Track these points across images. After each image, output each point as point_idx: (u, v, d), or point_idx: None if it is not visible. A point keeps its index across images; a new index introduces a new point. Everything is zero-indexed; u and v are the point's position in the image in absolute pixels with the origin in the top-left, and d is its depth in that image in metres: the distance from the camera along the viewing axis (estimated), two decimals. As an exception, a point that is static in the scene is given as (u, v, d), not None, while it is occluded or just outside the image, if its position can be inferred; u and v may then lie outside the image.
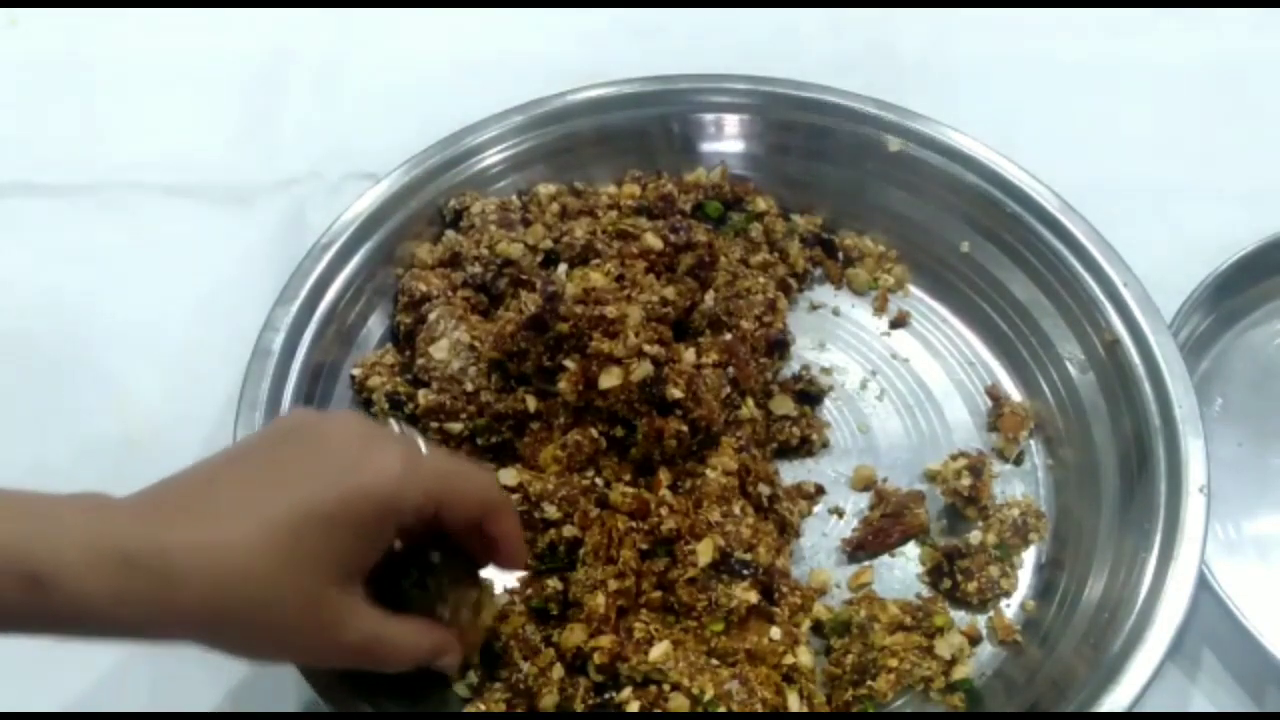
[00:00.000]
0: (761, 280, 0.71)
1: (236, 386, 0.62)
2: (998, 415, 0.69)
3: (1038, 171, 0.72)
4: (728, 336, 0.67)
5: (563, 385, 0.62)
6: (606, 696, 0.56)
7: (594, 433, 0.62)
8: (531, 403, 0.64)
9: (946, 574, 0.63)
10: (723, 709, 0.54)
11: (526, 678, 0.56)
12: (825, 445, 0.69)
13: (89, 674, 0.61)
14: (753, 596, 0.57)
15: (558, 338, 0.62)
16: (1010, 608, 0.63)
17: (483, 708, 0.56)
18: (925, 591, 0.64)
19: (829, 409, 0.70)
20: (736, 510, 0.60)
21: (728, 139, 0.78)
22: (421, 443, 0.49)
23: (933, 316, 0.75)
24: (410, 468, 0.46)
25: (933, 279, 0.75)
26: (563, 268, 0.69)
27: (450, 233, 0.72)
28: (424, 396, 0.64)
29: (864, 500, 0.67)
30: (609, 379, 0.60)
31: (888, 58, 0.89)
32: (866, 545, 0.65)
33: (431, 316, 0.67)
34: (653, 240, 0.68)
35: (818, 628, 0.61)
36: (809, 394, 0.70)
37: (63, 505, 0.41)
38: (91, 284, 0.76)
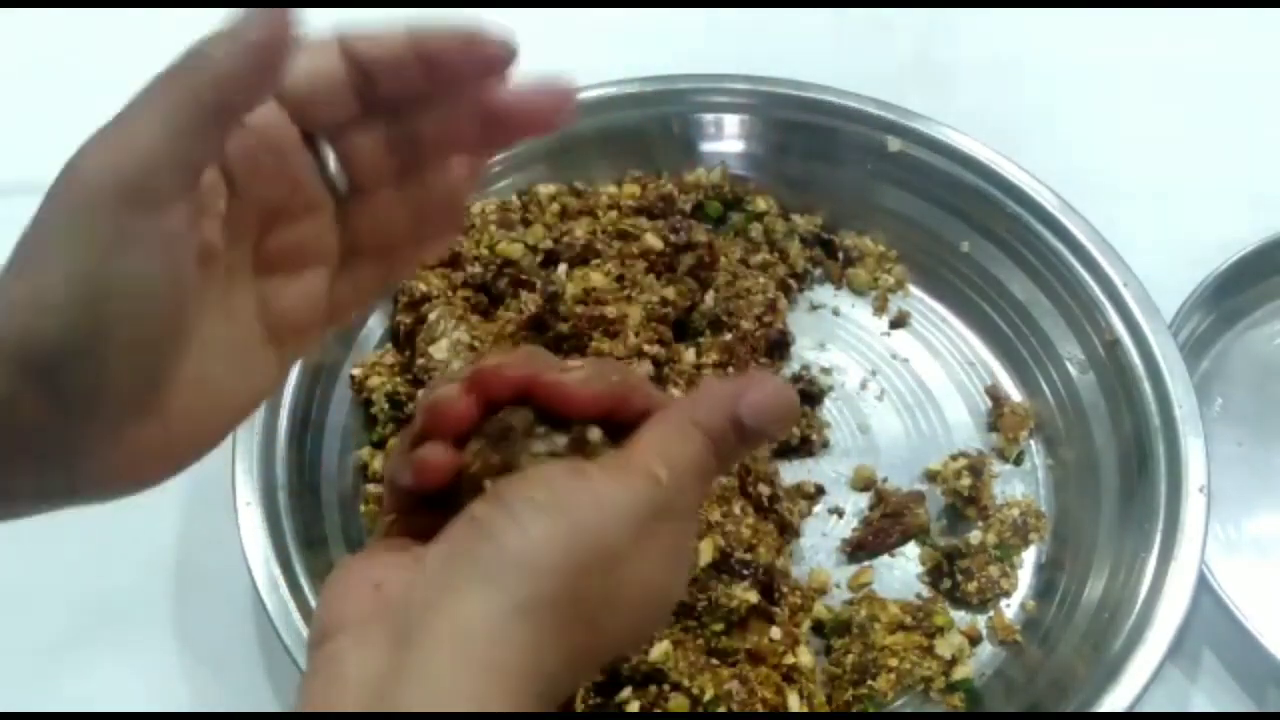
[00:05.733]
0: (761, 280, 0.71)
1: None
2: (998, 415, 0.69)
3: (1038, 171, 0.72)
4: (728, 336, 0.67)
5: (563, 385, 0.62)
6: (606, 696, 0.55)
7: (594, 433, 0.62)
8: (532, 403, 0.64)
9: (946, 574, 0.63)
10: (723, 709, 0.54)
11: (526, 678, 0.56)
12: (825, 445, 0.68)
13: (88, 674, 0.61)
14: (753, 596, 0.57)
15: (558, 338, 0.62)
16: (1010, 608, 0.63)
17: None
18: (925, 591, 0.64)
19: (829, 409, 0.70)
20: (736, 510, 0.60)
21: (728, 139, 0.78)
22: None
23: (933, 316, 0.75)
24: None
25: (933, 279, 0.75)
26: (563, 268, 0.68)
27: (450, 233, 0.72)
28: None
29: (864, 500, 0.67)
30: (609, 379, 0.60)
31: (888, 58, 0.89)
32: (866, 545, 0.65)
33: (431, 316, 0.66)
34: (653, 240, 0.68)
35: (818, 628, 0.61)
36: (809, 394, 0.70)
37: None
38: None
